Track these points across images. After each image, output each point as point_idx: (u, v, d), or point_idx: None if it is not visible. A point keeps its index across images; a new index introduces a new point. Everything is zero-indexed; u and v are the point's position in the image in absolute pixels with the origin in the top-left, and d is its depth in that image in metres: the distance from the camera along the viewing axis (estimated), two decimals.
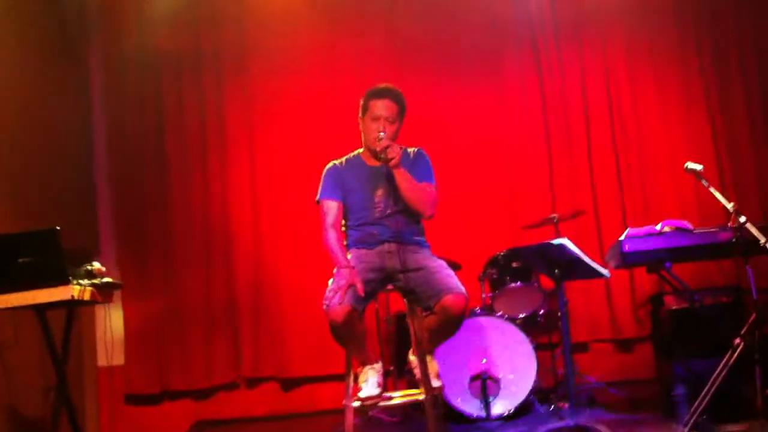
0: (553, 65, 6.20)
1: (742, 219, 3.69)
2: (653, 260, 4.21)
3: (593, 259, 4.42)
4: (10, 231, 4.06)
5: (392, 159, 3.48)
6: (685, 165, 4.03)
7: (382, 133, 3.55)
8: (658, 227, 4.21)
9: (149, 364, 5.91)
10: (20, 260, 3.86)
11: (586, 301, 5.88)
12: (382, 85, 3.74)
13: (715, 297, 4.49)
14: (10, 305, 3.86)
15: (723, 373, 3.72)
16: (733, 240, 3.77)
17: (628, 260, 4.21)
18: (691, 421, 3.77)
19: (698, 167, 3.99)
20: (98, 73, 6.27)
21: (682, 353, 4.39)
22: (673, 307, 4.52)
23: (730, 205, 3.79)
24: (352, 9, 6.29)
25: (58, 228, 3.88)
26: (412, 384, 4.71)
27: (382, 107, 3.64)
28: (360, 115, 3.74)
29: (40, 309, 4.06)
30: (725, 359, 3.74)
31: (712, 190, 3.88)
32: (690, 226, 4.28)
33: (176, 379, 5.93)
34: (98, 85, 6.28)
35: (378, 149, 3.52)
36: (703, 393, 3.79)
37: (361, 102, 3.72)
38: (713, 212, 5.52)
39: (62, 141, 5.67)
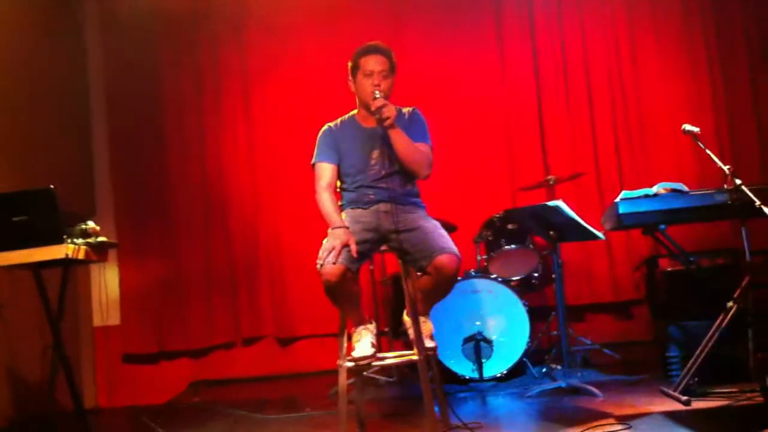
0: (553, 25, 6.14)
1: (738, 181, 3.67)
2: (648, 222, 4.20)
3: (594, 222, 4.42)
4: (5, 191, 4.04)
5: (388, 118, 3.45)
6: (683, 127, 4.02)
7: (377, 92, 3.51)
8: (653, 189, 4.19)
9: (146, 324, 5.94)
10: (15, 219, 3.86)
11: (582, 264, 5.88)
12: (370, 42, 3.69)
13: (711, 259, 4.49)
14: (3, 263, 3.87)
15: (715, 336, 3.74)
16: (729, 202, 3.75)
17: (623, 222, 4.20)
18: (683, 382, 3.79)
19: (695, 129, 3.98)
20: (95, 35, 6.22)
21: (676, 315, 4.40)
22: (668, 269, 4.53)
23: (726, 167, 3.77)
24: None
25: (52, 187, 3.88)
26: (407, 345, 4.74)
27: (373, 62, 3.57)
28: (350, 77, 3.66)
29: (35, 268, 4.07)
30: (718, 322, 3.75)
31: (708, 152, 3.87)
32: (686, 187, 4.27)
33: (173, 339, 5.97)
34: (95, 47, 6.22)
35: (373, 108, 3.48)
36: (695, 355, 3.81)
37: (350, 63, 3.65)
38: (712, 174, 5.50)
39: (59, 102, 5.63)
